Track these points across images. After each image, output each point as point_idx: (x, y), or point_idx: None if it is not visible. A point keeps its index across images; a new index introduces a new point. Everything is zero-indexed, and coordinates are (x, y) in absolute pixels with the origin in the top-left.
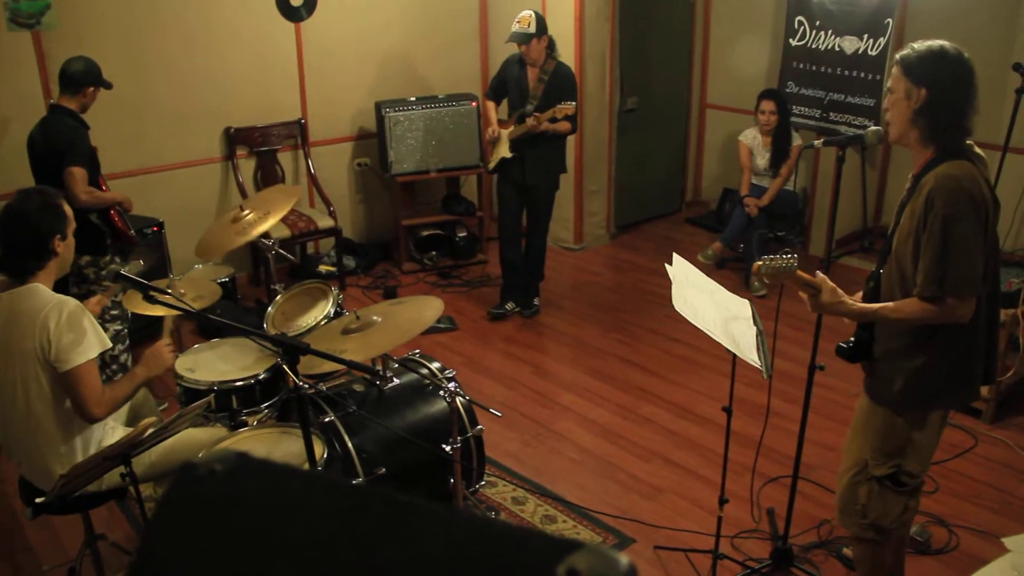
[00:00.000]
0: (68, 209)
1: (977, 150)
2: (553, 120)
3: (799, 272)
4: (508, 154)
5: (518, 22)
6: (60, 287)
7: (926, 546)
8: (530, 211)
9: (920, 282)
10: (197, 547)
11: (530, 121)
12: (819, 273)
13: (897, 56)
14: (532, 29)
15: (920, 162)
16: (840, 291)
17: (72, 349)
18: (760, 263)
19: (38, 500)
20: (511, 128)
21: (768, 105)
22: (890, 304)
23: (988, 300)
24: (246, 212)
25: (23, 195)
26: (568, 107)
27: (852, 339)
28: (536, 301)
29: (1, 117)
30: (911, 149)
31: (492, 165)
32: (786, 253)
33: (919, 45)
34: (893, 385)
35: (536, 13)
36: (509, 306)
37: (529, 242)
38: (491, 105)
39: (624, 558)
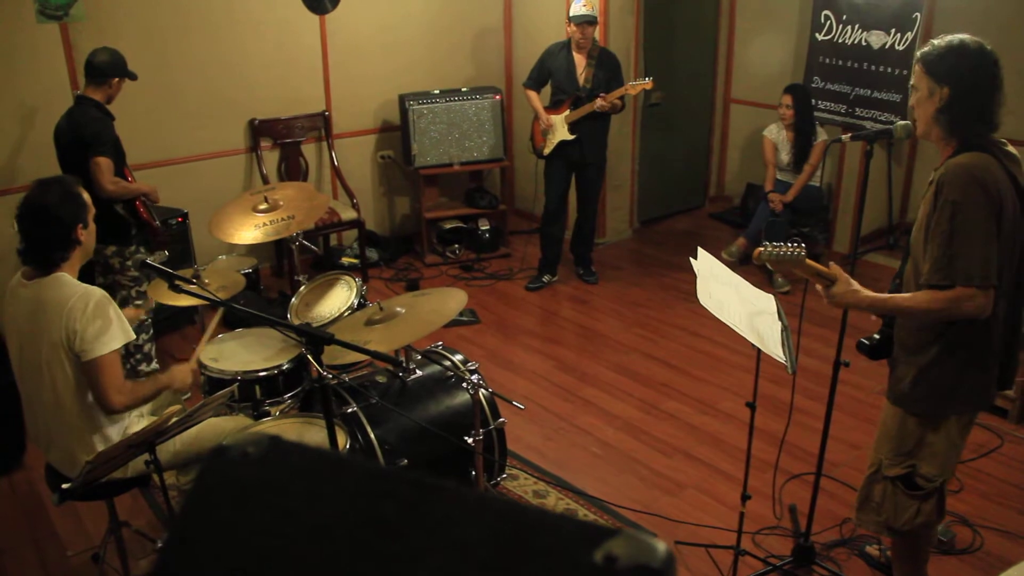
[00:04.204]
0: (87, 196)
1: (1010, 148)
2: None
3: (809, 261)
4: (569, 136)
5: (584, 5)
6: (86, 275)
7: (950, 546)
8: (584, 187)
9: (927, 270)
10: (228, 528)
11: (599, 101)
12: (832, 264)
13: (918, 54)
14: (596, 12)
15: (943, 158)
16: (854, 282)
17: (97, 339)
18: (762, 248)
19: (64, 486)
20: (566, 112)
21: (785, 99)
22: (903, 295)
23: (1009, 299)
24: (267, 206)
25: (42, 186)
26: (646, 83)
27: (876, 335)
28: (594, 268)
29: (29, 108)
30: (936, 145)
31: (549, 150)
32: (794, 242)
33: (939, 41)
34: (904, 383)
35: None
36: (546, 278)
37: (584, 216)
38: (535, 94)
39: (662, 544)
